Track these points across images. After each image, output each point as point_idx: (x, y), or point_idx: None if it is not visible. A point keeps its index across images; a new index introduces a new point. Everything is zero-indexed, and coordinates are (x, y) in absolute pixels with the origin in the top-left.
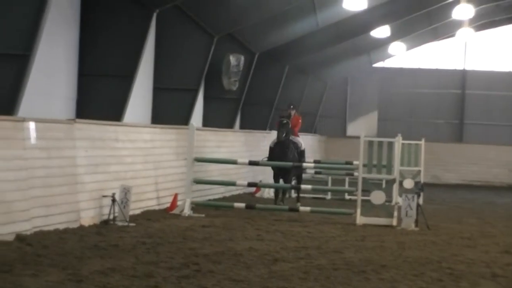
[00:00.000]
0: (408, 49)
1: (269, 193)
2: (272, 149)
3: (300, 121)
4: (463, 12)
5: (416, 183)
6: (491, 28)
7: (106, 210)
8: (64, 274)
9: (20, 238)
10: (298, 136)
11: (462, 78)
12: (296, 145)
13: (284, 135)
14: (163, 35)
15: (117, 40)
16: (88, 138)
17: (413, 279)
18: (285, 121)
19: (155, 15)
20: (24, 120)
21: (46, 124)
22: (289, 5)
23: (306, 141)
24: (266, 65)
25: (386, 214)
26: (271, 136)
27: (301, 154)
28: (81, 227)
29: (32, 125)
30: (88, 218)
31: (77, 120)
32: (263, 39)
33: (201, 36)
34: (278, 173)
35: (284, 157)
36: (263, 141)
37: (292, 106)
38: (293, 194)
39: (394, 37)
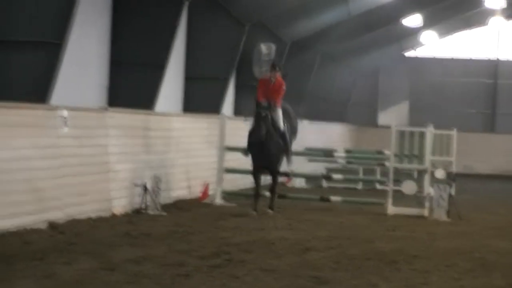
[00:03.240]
0: (439, 37)
1: (300, 182)
2: (250, 146)
3: (283, 87)
4: (495, 0)
5: (448, 173)
6: None
7: (137, 199)
8: (96, 263)
9: (53, 226)
10: (279, 106)
11: (494, 67)
12: (277, 128)
13: (264, 132)
14: (195, 24)
15: (149, 29)
16: (120, 127)
17: (445, 270)
18: (264, 114)
19: (186, 4)
20: (56, 108)
21: (78, 112)
22: None
23: (336, 130)
24: (298, 54)
25: (417, 205)
26: (302, 125)
27: (283, 137)
28: (113, 216)
29: (64, 113)
30: (119, 206)
31: (109, 108)
32: (294, 27)
33: (232, 25)
34: (259, 168)
35: (268, 158)
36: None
37: (275, 67)
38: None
39: (425, 25)
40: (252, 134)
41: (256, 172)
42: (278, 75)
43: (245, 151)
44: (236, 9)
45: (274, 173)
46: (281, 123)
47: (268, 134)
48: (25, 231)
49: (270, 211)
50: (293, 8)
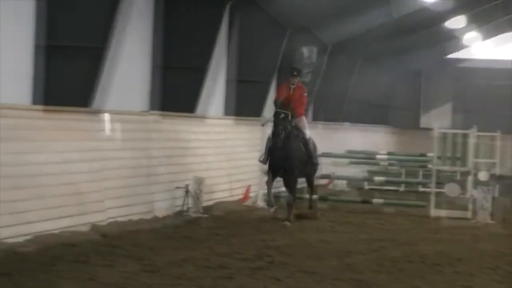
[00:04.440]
0: (483, 39)
1: (342, 185)
2: (270, 151)
3: (305, 94)
4: None
5: (491, 175)
6: None
7: (179, 202)
8: (138, 265)
9: (95, 228)
10: (303, 115)
11: None
12: (300, 134)
13: (282, 136)
14: (236, 27)
15: (190, 33)
16: (161, 130)
17: (488, 273)
18: (283, 115)
19: (228, 7)
20: (99, 112)
21: (120, 116)
22: None
23: (378, 132)
24: (339, 56)
25: (460, 207)
26: (343, 128)
27: (306, 145)
28: (155, 218)
29: (107, 117)
30: (161, 209)
31: (151, 112)
32: (336, 30)
33: (274, 28)
34: (276, 173)
35: (287, 163)
36: (336, 133)
37: (295, 73)
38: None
39: (469, 27)
40: (271, 138)
41: (270, 179)
42: (298, 81)
43: (264, 158)
44: (279, 12)
45: (291, 182)
46: (306, 130)
47: (289, 138)
48: (68, 233)
49: (287, 223)
50: (334, 11)
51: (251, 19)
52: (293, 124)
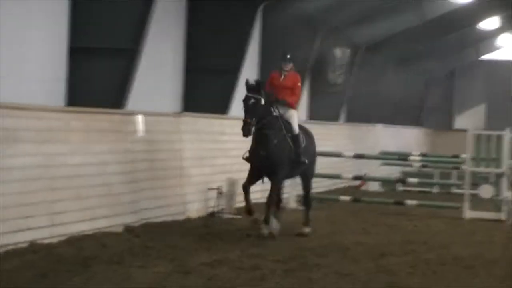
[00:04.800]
0: None
1: (374, 186)
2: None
3: (299, 84)
4: None
5: None
6: None
7: (212, 203)
8: (171, 266)
9: (129, 229)
10: (294, 109)
11: None
12: (287, 126)
13: (252, 127)
14: (269, 29)
15: (223, 35)
16: (194, 131)
17: None
18: (253, 100)
19: (260, 9)
20: (132, 113)
21: (153, 118)
22: None
23: (411, 133)
24: (372, 58)
25: (494, 208)
26: (376, 129)
27: (296, 140)
28: (188, 219)
29: (140, 118)
30: (194, 210)
31: (184, 113)
32: (368, 32)
33: (306, 30)
34: (258, 170)
35: (269, 162)
36: (368, 134)
37: (288, 56)
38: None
39: (503, 28)
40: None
41: (248, 181)
42: (292, 67)
43: (247, 159)
44: (310, 13)
45: (273, 182)
46: (294, 123)
47: (270, 130)
48: (102, 234)
49: (264, 230)
50: (367, 12)
51: (283, 20)
52: (275, 112)
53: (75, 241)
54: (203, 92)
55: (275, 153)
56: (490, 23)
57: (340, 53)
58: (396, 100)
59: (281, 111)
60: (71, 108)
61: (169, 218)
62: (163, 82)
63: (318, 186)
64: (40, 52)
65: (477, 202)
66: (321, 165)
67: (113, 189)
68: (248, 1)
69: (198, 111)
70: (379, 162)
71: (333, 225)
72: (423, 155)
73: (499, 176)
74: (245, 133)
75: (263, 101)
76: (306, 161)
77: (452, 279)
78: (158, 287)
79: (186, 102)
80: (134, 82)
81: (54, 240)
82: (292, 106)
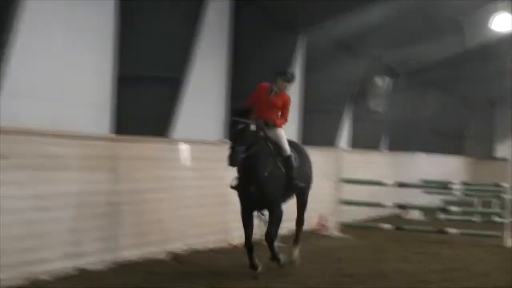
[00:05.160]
0: None
1: (415, 214)
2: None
3: (289, 106)
4: None
5: None
6: None
7: (256, 230)
8: None
9: (174, 256)
10: (281, 127)
11: None
12: (276, 149)
13: (241, 157)
14: (311, 58)
15: (266, 64)
16: None
17: None
18: (241, 126)
19: (301, 37)
20: (177, 141)
21: (198, 145)
22: (433, 26)
23: (452, 162)
24: (411, 86)
25: None
26: (416, 158)
27: (287, 163)
28: (232, 247)
29: (184, 146)
30: (237, 237)
31: (227, 141)
32: (407, 59)
33: (348, 59)
34: (251, 205)
35: (263, 196)
36: (410, 162)
37: (289, 76)
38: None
39: None
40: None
41: (245, 214)
42: (286, 87)
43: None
44: (353, 43)
45: (272, 212)
46: (284, 144)
47: (260, 160)
48: (148, 261)
49: (294, 256)
50: (406, 39)
51: (326, 50)
52: (262, 135)
53: (121, 268)
54: None
55: (267, 187)
56: None
57: (380, 81)
58: (437, 128)
59: (268, 132)
60: (116, 136)
61: (214, 245)
62: (207, 110)
63: (360, 213)
64: (87, 81)
65: None
66: (362, 193)
67: (158, 215)
68: (291, 30)
69: None
70: (419, 190)
71: (375, 253)
72: (464, 183)
73: None
74: (232, 163)
75: (252, 127)
76: (303, 185)
77: None
78: None
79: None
80: (178, 109)
81: (103, 266)
82: (280, 126)
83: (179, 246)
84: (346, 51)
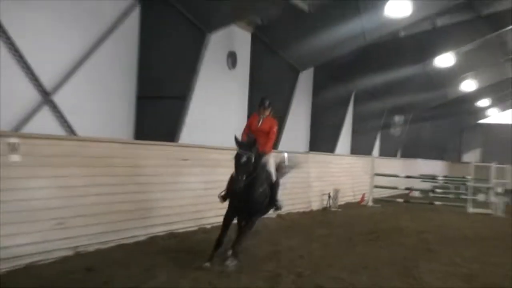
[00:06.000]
0: (500, 111)
1: (416, 193)
2: (233, 194)
3: (274, 129)
4: None
5: (505, 190)
6: None
7: (325, 202)
8: (303, 236)
9: (280, 216)
10: (271, 152)
11: None
12: (268, 176)
13: (243, 184)
14: (318, 88)
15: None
16: (316, 162)
17: (495, 238)
18: (245, 159)
19: (352, 95)
20: (281, 152)
21: (293, 154)
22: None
23: (437, 165)
24: (416, 118)
25: (486, 207)
26: (417, 161)
27: (273, 186)
28: (311, 211)
29: (286, 155)
30: (315, 206)
31: (310, 152)
32: (413, 103)
33: (376, 107)
34: (238, 212)
35: (250, 211)
36: (414, 164)
37: (267, 103)
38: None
39: (492, 105)
40: (232, 182)
41: (228, 217)
42: (270, 113)
43: (223, 197)
44: (381, 97)
45: (252, 220)
46: (272, 170)
47: (254, 184)
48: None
49: (229, 253)
50: (413, 91)
51: (367, 106)
52: (258, 163)
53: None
54: (319, 138)
55: (257, 200)
56: (484, 102)
57: (397, 118)
58: (430, 144)
59: (263, 159)
60: (139, 141)
61: (302, 210)
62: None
63: (385, 193)
64: (116, 100)
65: (476, 204)
66: (386, 181)
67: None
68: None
69: (315, 150)
70: (419, 180)
71: (394, 216)
72: (444, 176)
73: (488, 189)
74: (238, 188)
75: (252, 159)
76: (282, 206)
77: (463, 247)
78: (295, 250)
79: (312, 144)
80: (185, 121)
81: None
82: (270, 151)
83: (287, 209)
84: (376, 102)
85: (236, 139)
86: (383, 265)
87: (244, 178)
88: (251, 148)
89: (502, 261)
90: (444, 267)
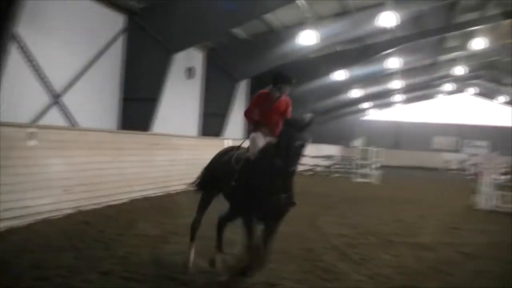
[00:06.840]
0: (379, 109)
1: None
2: (260, 175)
3: (290, 109)
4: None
5: (381, 166)
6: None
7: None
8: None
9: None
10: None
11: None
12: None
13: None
14: None
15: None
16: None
17: (380, 202)
18: (301, 143)
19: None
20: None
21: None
22: None
23: (331, 148)
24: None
25: (368, 178)
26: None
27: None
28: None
29: (228, 141)
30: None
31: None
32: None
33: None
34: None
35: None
36: (320, 148)
37: (293, 82)
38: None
39: (373, 106)
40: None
41: (228, 218)
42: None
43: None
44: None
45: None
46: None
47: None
48: None
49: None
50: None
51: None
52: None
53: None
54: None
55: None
56: (367, 105)
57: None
58: (331, 133)
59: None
60: (122, 131)
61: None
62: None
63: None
64: (103, 100)
65: (360, 175)
66: None
67: None
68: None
69: None
70: (322, 159)
71: (303, 184)
72: (340, 156)
73: (368, 165)
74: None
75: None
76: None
77: (350, 204)
78: (314, 219)
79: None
80: (155, 120)
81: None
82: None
83: None
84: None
85: (287, 119)
86: (296, 219)
87: (293, 170)
88: (306, 130)
89: (375, 213)
90: (338, 219)
